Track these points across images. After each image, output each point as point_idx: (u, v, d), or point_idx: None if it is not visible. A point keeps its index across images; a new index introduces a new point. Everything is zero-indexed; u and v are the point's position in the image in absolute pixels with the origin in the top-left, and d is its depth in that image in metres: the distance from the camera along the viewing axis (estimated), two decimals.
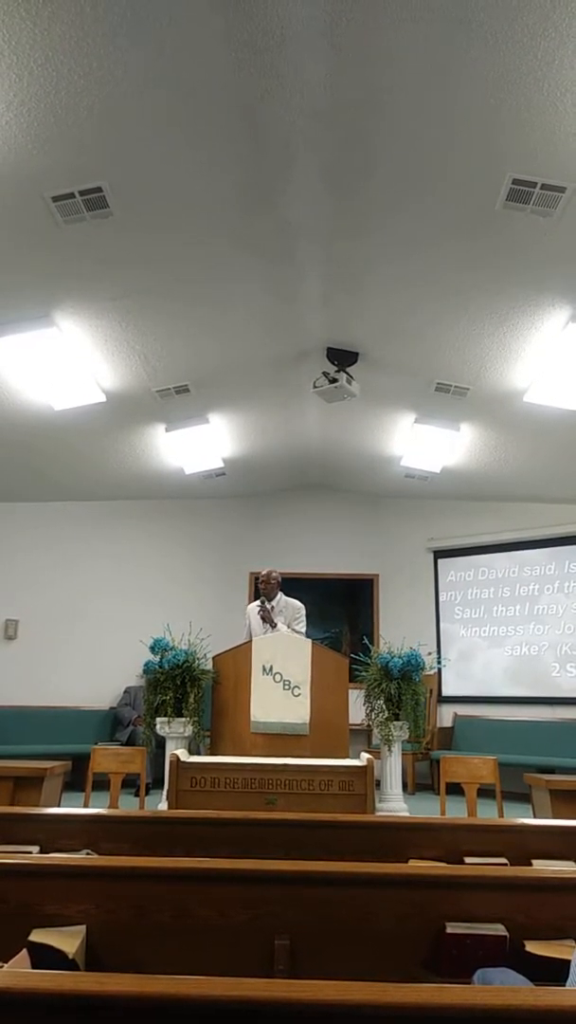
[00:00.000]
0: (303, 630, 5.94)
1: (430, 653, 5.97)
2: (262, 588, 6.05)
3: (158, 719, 5.35)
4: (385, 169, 4.25)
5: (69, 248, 4.65)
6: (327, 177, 4.39)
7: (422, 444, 7.68)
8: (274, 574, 6.03)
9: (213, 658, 5.70)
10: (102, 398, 6.37)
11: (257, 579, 6.13)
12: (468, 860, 2.55)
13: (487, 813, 4.28)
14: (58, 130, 3.79)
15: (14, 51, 3.35)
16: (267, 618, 5.96)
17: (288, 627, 5.88)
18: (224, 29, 3.37)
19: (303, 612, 6.05)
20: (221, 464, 8.41)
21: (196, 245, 4.88)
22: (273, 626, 5.89)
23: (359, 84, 3.69)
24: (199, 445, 7.80)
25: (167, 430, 7.33)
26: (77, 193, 4.21)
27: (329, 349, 6.31)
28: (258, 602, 6.14)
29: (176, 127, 3.93)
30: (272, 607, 5.97)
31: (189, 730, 5.32)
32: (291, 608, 6.07)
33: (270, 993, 1.19)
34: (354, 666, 5.73)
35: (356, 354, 6.32)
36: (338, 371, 6.24)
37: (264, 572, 6.10)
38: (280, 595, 6.07)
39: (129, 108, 3.74)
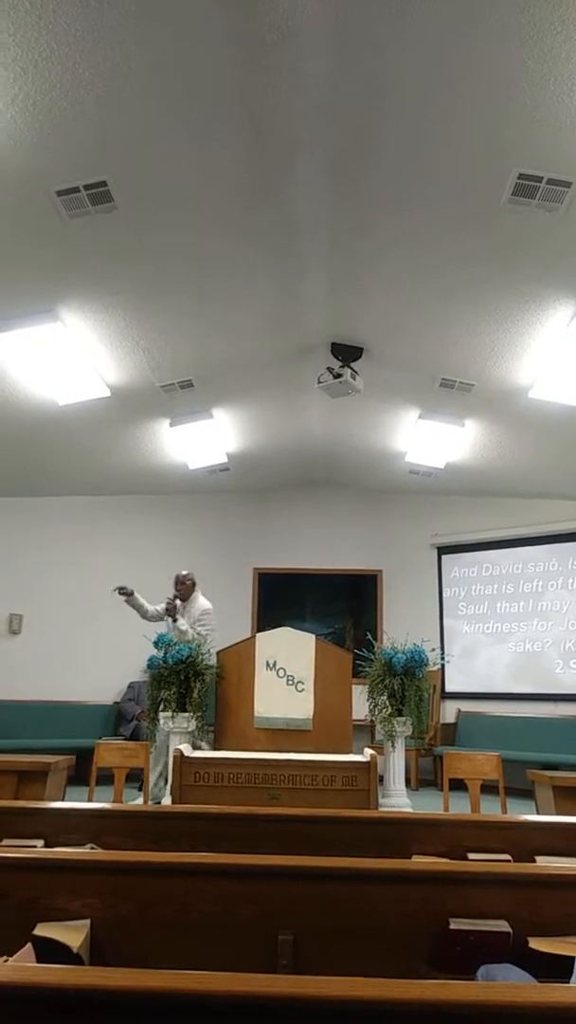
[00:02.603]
0: (206, 632, 6.27)
1: (433, 649, 5.98)
2: (179, 589, 6.46)
3: (162, 714, 5.37)
4: (389, 163, 4.24)
5: (73, 243, 4.64)
6: (331, 172, 4.37)
7: (426, 440, 7.67)
8: (190, 578, 6.52)
9: (217, 653, 5.72)
10: (106, 393, 6.37)
11: (175, 579, 6.55)
12: (471, 856, 2.55)
13: (490, 809, 4.28)
14: (63, 124, 3.78)
15: (18, 44, 3.34)
16: (170, 611, 6.30)
17: (191, 626, 6.24)
18: (229, 23, 3.35)
19: (209, 615, 6.43)
20: (225, 459, 8.40)
21: (200, 240, 4.87)
22: (174, 620, 6.23)
23: (363, 78, 3.68)
24: (203, 440, 7.80)
25: (171, 425, 7.33)
26: (82, 187, 4.20)
27: (333, 344, 6.30)
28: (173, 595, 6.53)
29: (181, 122, 3.92)
30: (179, 605, 6.36)
31: (193, 725, 5.34)
32: (198, 609, 6.43)
33: (274, 988, 1.19)
34: (357, 662, 5.75)
35: (360, 349, 6.31)
36: (342, 366, 6.23)
37: (180, 574, 6.54)
38: (196, 596, 6.46)
39: (134, 102, 3.73)
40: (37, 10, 3.19)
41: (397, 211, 4.62)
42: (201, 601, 6.48)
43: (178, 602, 6.36)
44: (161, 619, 6.41)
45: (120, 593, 6.31)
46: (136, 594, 6.37)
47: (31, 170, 4.03)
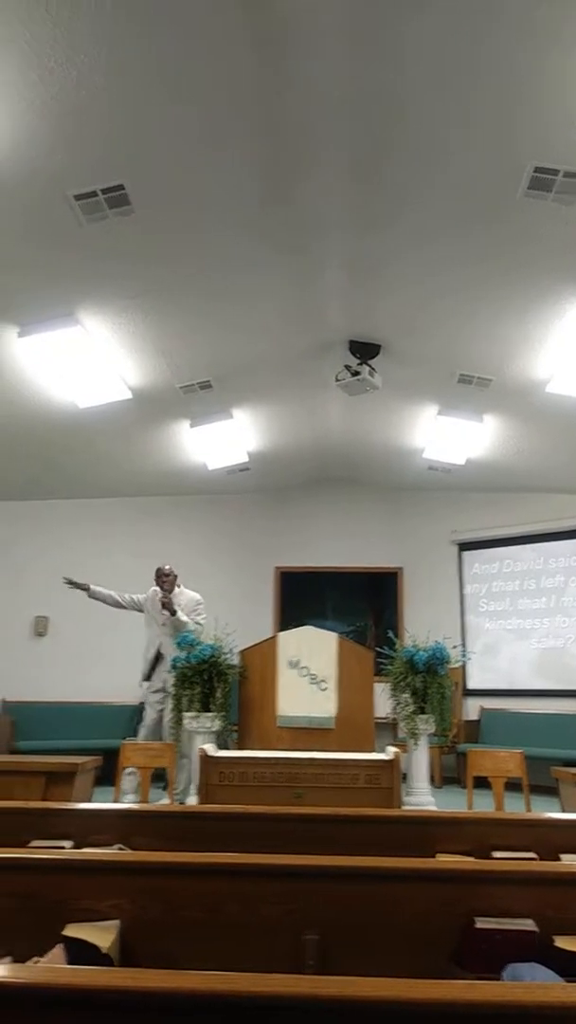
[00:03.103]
0: (203, 621, 6.40)
1: (455, 646, 5.96)
2: (164, 582, 6.52)
3: (186, 714, 5.40)
4: (405, 160, 4.23)
5: (92, 246, 4.67)
6: (347, 170, 4.37)
7: (445, 436, 7.65)
8: (173, 572, 6.57)
9: (240, 652, 5.74)
10: (127, 395, 6.42)
11: (156, 573, 6.62)
12: (496, 855, 2.55)
13: (514, 807, 4.27)
14: (79, 129, 3.81)
15: (35, 51, 3.37)
16: (167, 605, 6.36)
17: (188, 617, 6.36)
18: (244, 24, 3.37)
19: (202, 604, 6.62)
20: (245, 459, 8.42)
21: (217, 240, 4.89)
22: (173, 613, 6.32)
23: (378, 75, 3.68)
24: (223, 440, 7.82)
25: (191, 426, 7.36)
26: (99, 191, 4.23)
27: (351, 342, 6.29)
28: (151, 591, 6.63)
29: (197, 123, 3.94)
30: (163, 594, 6.46)
31: (217, 725, 5.36)
32: (191, 600, 6.57)
33: (298, 989, 1.20)
34: (379, 660, 5.75)
35: (378, 346, 6.30)
36: (360, 364, 6.22)
37: (165, 568, 6.60)
38: (179, 588, 6.59)
39: (150, 105, 3.76)
40: (53, 18, 3.22)
41: (413, 207, 4.61)
42: (189, 592, 6.63)
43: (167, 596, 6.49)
44: (138, 608, 6.61)
45: (72, 586, 6.51)
46: (94, 586, 6.56)
47: (49, 175, 4.07)
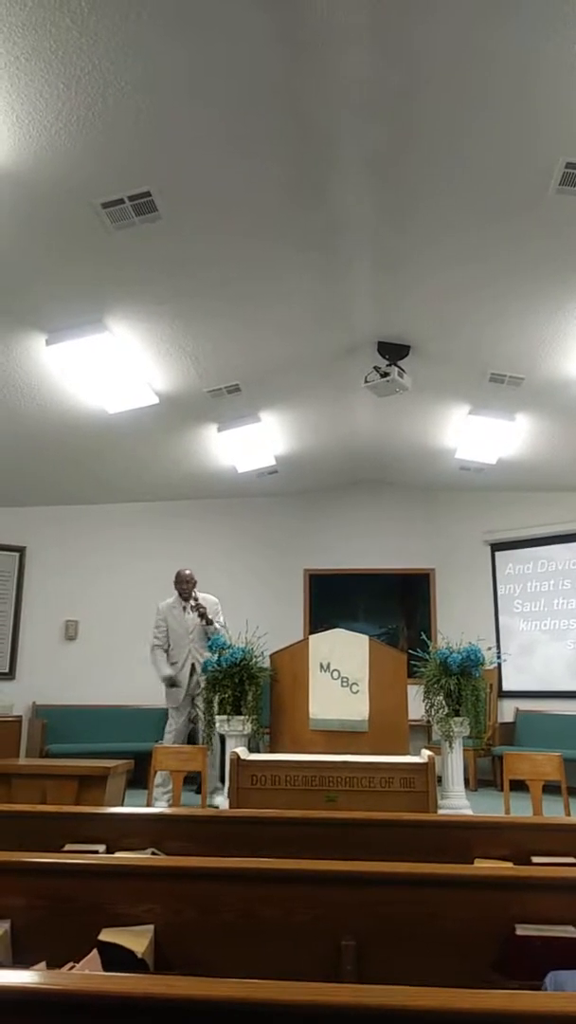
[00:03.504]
0: (224, 621, 6.50)
1: (489, 648, 5.90)
2: (186, 588, 6.55)
3: (218, 717, 5.40)
4: (432, 159, 4.19)
5: (119, 253, 4.70)
6: (374, 170, 4.35)
7: (477, 435, 7.57)
8: (194, 576, 6.63)
9: (271, 656, 5.73)
10: (155, 400, 6.44)
11: (180, 579, 6.61)
12: (535, 860, 2.50)
13: (553, 811, 4.20)
14: (106, 137, 3.83)
15: (61, 60, 3.40)
16: (204, 615, 6.41)
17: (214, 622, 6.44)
18: (267, 26, 3.36)
19: (219, 605, 6.66)
20: (273, 462, 8.42)
21: (243, 244, 4.89)
22: (209, 622, 6.38)
23: (400, 72, 3.64)
24: (251, 443, 7.82)
25: (219, 430, 7.37)
26: (126, 199, 4.24)
27: (380, 343, 6.26)
28: (172, 600, 6.59)
29: (222, 128, 3.94)
30: (195, 606, 6.49)
31: (248, 728, 5.36)
32: (212, 604, 6.59)
33: (339, 998, 1.18)
34: (412, 662, 5.70)
35: (407, 347, 6.25)
36: (389, 365, 6.18)
37: (187, 572, 6.60)
38: (196, 593, 6.65)
39: (176, 111, 3.77)
40: (79, 26, 3.24)
41: (441, 207, 4.57)
42: (206, 596, 6.67)
43: (193, 603, 6.56)
44: (165, 635, 6.51)
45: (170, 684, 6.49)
46: (165, 669, 6.49)
47: (76, 183, 4.09)
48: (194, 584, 6.58)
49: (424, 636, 6.26)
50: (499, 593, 9.10)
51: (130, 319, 5.39)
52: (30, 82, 3.47)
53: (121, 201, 4.26)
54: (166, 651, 6.52)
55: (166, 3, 3.18)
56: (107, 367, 5.84)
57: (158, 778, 5.21)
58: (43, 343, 5.42)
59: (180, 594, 6.59)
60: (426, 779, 4.42)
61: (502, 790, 4.35)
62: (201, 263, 5.00)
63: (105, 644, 8.58)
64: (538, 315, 5.43)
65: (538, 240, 4.69)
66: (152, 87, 3.59)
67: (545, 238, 4.65)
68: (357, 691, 5.42)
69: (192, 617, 6.48)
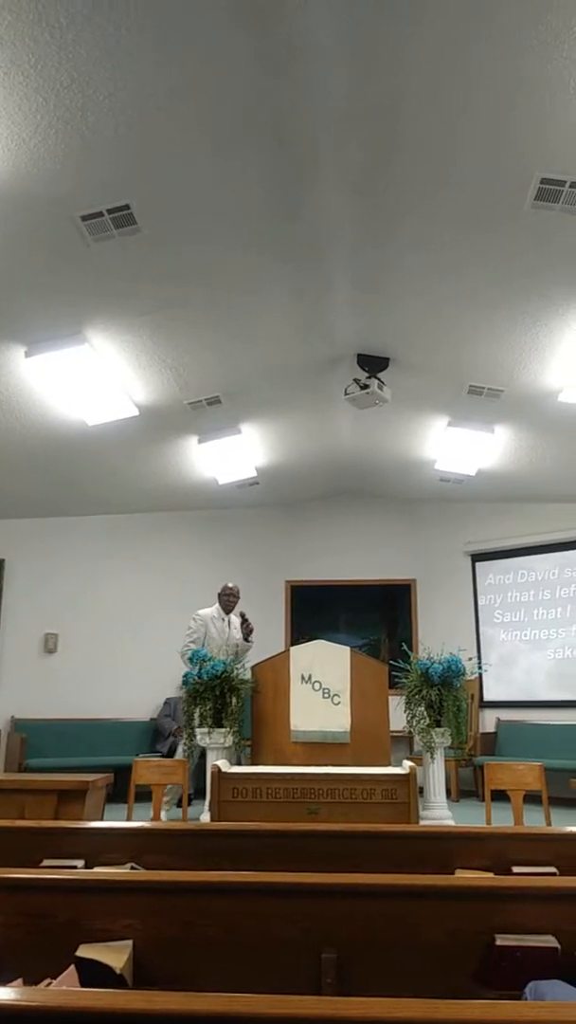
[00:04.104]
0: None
1: (471, 658, 5.91)
2: (232, 601, 6.61)
3: (198, 730, 5.37)
4: (410, 172, 4.24)
5: (99, 266, 4.70)
6: (353, 183, 4.39)
7: (456, 447, 7.62)
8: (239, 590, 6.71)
9: (252, 667, 5.71)
10: (135, 412, 6.43)
11: (227, 592, 6.64)
12: (516, 870, 2.51)
13: (534, 820, 4.22)
14: (85, 150, 3.84)
15: (40, 74, 3.41)
16: (252, 631, 6.50)
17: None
18: (245, 42, 3.39)
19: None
20: (254, 473, 8.42)
21: (224, 257, 4.91)
22: (247, 637, 6.46)
23: (380, 88, 3.69)
24: (232, 455, 7.83)
25: (200, 441, 7.37)
26: (105, 212, 4.26)
27: (360, 355, 6.29)
28: (213, 610, 6.59)
29: (201, 141, 3.96)
30: (243, 619, 6.58)
31: (230, 740, 5.33)
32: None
33: (319, 1010, 1.17)
34: (393, 673, 5.70)
35: (387, 360, 6.30)
36: (369, 377, 6.22)
37: (235, 587, 6.67)
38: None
39: (155, 125, 3.78)
40: (57, 40, 3.25)
41: (419, 220, 4.62)
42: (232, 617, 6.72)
43: (235, 616, 6.63)
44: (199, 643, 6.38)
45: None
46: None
47: (55, 196, 4.10)
48: (238, 599, 6.65)
49: (405, 647, 6.26)
50: (480, 603, 9.14)
51: (110, 331, 5.39)
52: (9, 95, 3.48)
53: (100, 214, 4.27)
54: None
55: (146, 18, 3.20)
56: (87, 379, 5.83)
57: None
58: (22, 355, 5.40)
59: (223, 606, 6.60)
60: (408, 790, 4.42)
61: (484, 800, 4.36)
62: (181, 276, 5.01)
63: (85, 657, 8.51)
64: (516, 328, 5.48)
65: (515, 254, 4.75)
66: (132, 101, 3.60)
67: (522, 252, 4.71)
68: (339, 702, 5.41)
69: (233, 630, 6.52)
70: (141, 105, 3.64)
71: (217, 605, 6.63)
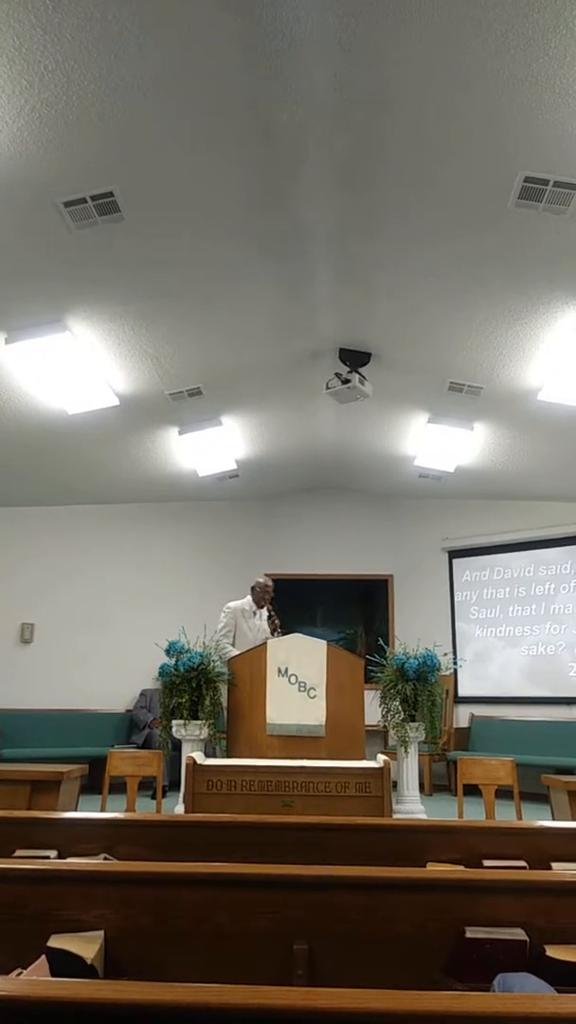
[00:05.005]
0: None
1: (446, 654, 5.95)
2: (265, 597, 6.53)
3: (174, 722, 5.36)
4: (395, 168, 4.24)
5: (81, 253, 4.66)
6: (337, 177, 4.38)
7: (436, 444, 7.66)
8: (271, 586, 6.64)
9: (228, 660, 5.71)
10: (115, 402, 6.39)
11: (263, 587, 6.57)
12: (487, 863, 2.53)
13: (505, 815, 4.26)
14: (69, 136, 3.80)
15: (24, 58, 3.36)
16: (279, 628, 6.42)
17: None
18: (233, 32, 3.37)
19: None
20: (234, 466, 8.41)
21: (207, 247, 4.88)
22: (272, 634, 6.35)
23: (367, 83, 3.68)
24: (212, 447, 7.81)
25: (180, 433, 7.34)
26: (88, 198, 4.22)
27: (341, 350, 6.30)
28: (245, 603, 6.53)
29: (187, 130, 3.93)
30: (272, 615, 6.52)
31: (205, 732, 5.33)
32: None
33: (290, 1001, 1.18)
34: (369, 667, 5.73)
35: (368, 355, 6.30)
36: (350, 372, 6.23)
37: (265, 581, 6.61)
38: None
39: (140, 112, 3.75)
40: (43, 24, 3.21)
41: (403, 216, 4.62)
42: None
43: (265, 612, 6.58)
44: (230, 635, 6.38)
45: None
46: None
47: (38, 182, 4.05)
48: (272, 596, 6.60)
49: (382, 642, 6.29)
50: (456, 600, 9.20)
51: (91, 319, 5.35)
52: None
53: (83, 200, 4.23)
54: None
55: (132, 4, 3.17)
56: (67, 367, 5.78)
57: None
58: (2, 342, 5.34)
59: (257, 601, 6.54)
60: (381, 784, 4.44)
61: (456, 795, 4.40)
62: (164, 265, 4.98)
63: (61, 647, 8.46)
64: (497, 325, 5.51)
65: (498, 253, 4.77)
66: (117, 87, 3.57)
67: (504, 251, 4.73)
68: (314, 696, 5.42)
69: (263, 624, 6.48)
70: (127, 92, 3.61)
71: (249, 598, 6.55)
